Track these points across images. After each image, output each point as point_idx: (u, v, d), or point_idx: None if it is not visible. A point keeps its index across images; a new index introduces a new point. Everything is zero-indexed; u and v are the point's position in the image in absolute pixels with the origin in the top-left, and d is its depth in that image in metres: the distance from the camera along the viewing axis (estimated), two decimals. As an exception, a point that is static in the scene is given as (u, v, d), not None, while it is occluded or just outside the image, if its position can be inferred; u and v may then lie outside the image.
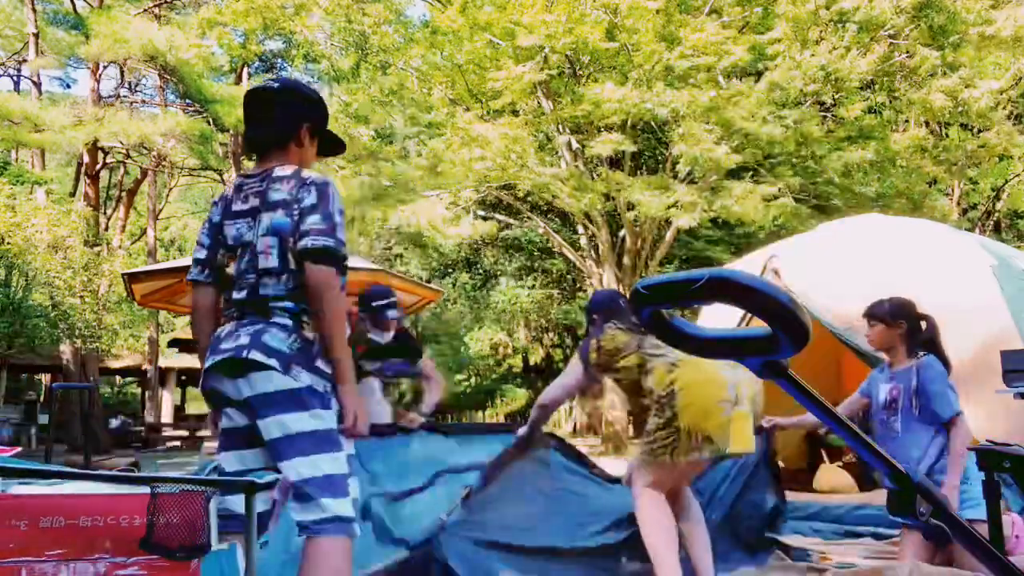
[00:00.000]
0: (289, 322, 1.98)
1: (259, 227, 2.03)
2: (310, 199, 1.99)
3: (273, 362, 1.91)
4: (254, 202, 2.06)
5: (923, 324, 3.19)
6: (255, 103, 2.16)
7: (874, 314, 3.21)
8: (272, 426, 1.93)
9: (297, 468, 1.90)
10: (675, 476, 2.64)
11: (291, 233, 1.98)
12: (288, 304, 2.00)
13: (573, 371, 3.01)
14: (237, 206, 2.10)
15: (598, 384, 3.03)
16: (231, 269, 2.09)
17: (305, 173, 2.07)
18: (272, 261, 2.00)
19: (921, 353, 3.12)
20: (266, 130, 2.15)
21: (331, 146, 2.30)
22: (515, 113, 13.11)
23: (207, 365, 2.04)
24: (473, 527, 2.86)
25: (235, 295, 2.06)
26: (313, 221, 1.96)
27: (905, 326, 3.15)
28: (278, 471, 1.96)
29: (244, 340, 1.95)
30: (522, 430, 3.33)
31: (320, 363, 1.97)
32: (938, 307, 4.38)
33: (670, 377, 2.65)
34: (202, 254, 2.18)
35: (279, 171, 2.07)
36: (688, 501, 2.78)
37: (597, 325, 2.97)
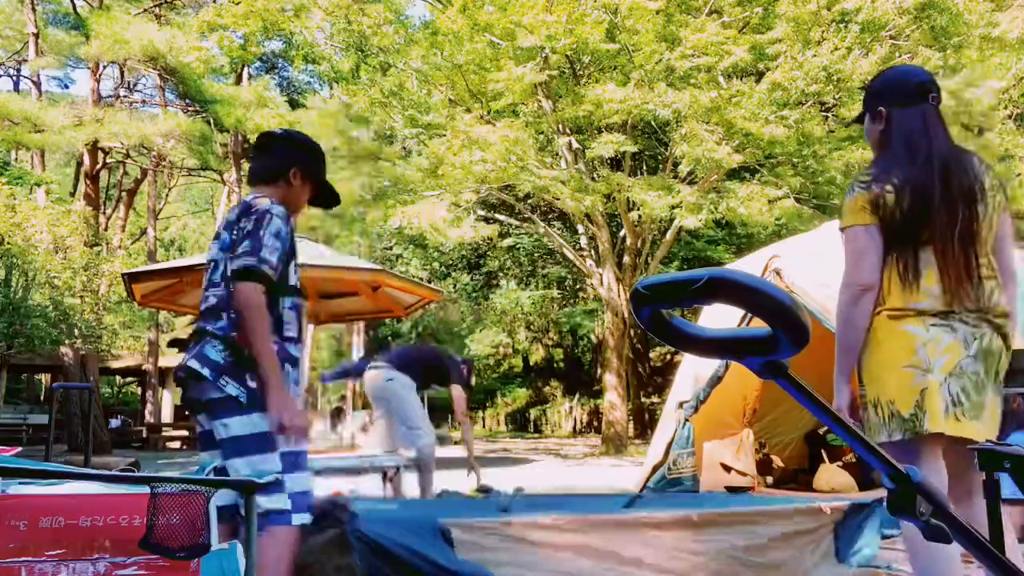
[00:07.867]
0: (224, 334, 2.17)
1: (217, 244, 2.27)
2: (249, 225, 2.16)
3: (206, 371, 2.13)
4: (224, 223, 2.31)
5: None
6: (258, 142, 2.44)
7: None
8: (219, 427, 2.15)
9: (236, 468, 2.12)
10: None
11: (229, 251, 2.19)
12: (226, 318, 2.18)
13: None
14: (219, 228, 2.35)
15: None
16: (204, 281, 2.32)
17: (258, 201, 2.22)
18: (217, 276, 2.23)
19: None
20: (258, 165, 2.40)
21: (325, 198, 2.49)
22: (515, 114, 13.10)
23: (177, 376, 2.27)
24: None
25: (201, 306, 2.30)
26: (244, 246, 2.13)
27: None
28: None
29: (194, 351, 2.19)
30: None
31: (249, 373, 2.13)
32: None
33: None
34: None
35: (248, 199, 2.28)
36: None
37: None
